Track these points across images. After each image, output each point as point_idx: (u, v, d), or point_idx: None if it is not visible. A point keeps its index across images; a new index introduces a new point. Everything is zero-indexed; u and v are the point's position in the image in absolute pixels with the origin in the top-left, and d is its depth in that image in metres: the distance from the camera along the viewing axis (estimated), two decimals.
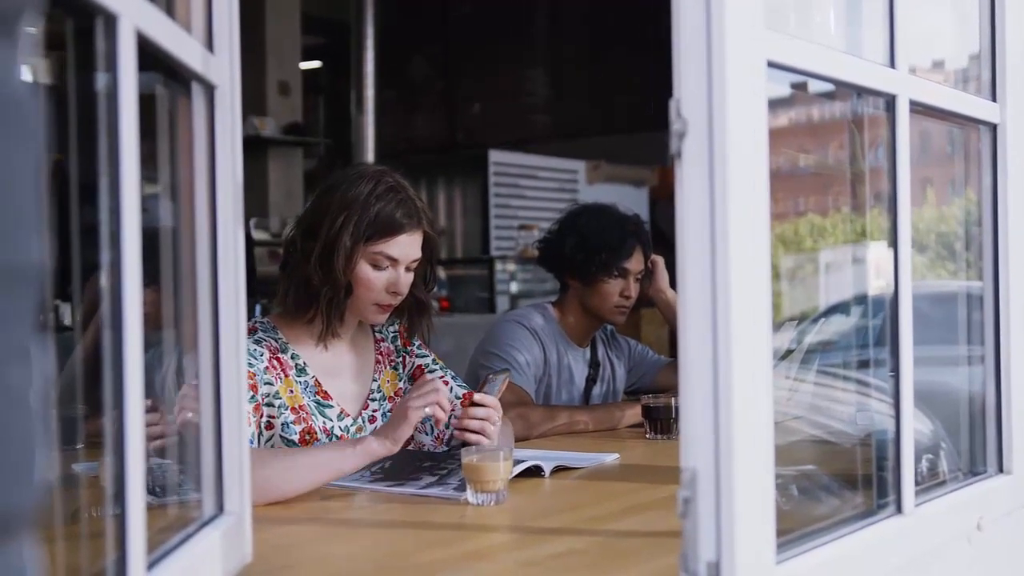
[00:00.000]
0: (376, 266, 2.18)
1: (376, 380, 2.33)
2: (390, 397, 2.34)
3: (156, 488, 1.32)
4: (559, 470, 2.15)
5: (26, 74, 0.56)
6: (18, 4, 0.54)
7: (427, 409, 1.96)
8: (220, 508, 1.35)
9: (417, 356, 2.41)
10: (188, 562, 1.19)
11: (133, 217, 1.00)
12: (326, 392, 2.22)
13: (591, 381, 3.09)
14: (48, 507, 0.64)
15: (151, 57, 1.10)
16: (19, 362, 0.54)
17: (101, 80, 1.00)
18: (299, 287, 2.19)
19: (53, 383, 0.61)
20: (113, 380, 0.99)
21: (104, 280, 1.00)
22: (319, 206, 2.20)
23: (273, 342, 2.19)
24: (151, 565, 1.08)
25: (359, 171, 2.24)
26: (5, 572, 0.55)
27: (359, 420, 2.27)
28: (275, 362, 2.16)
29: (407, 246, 2.20)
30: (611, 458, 2.32)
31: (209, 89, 1.33)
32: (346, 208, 2.15)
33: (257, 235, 6.84)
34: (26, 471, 0.56)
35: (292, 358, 2.21)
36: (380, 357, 2.36)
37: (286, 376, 2.17)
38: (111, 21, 0.98)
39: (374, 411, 2.31)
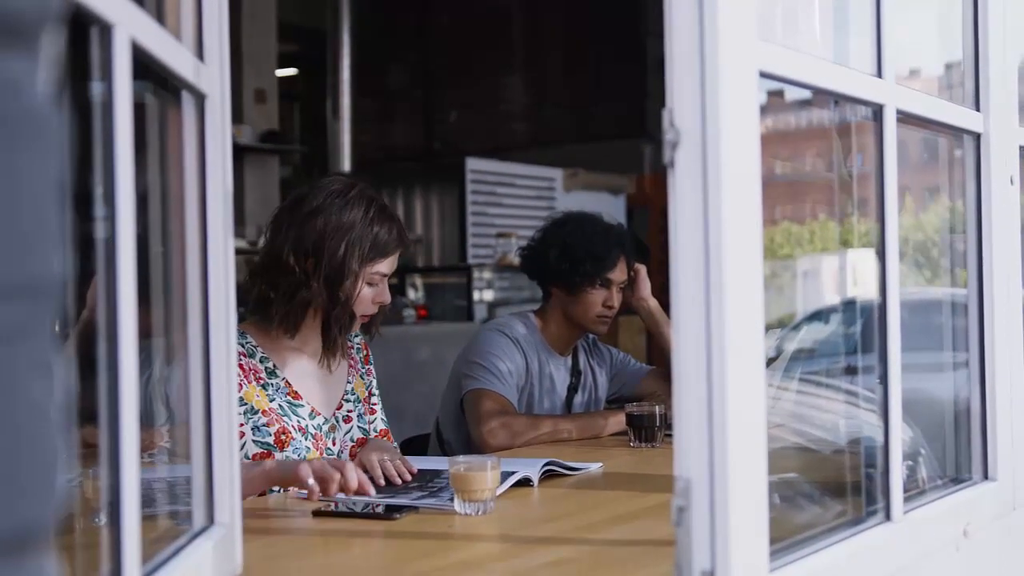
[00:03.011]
0: (370, 283, 2.27)
1: (350, 382, 2.40)
2: (363, 400, 2.42)
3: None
4: (548, 476, 2.15)
5: (47, 87, 0.55)
6: (38, 16, 0.54)
7: (310, 481, 1.88)
8: (211, 519, 1.34)
9: (373, 377, 2.49)
10: (180, 574, 1.18)
11: (128, 226, 0.99)
12: (296, 392, 2.27)
13: (573, 390, 3.09)
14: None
15: (142, 66, 1.09)
16: (41, 376, 0.54)
17: (95, 89, 0.99)
18: (299, 309, 2.23)
19: (73, 396, 0.61)
20: (108, 391, 0.98)
21: (99, 289, 0.99)
22: (309, 229, 2.21)
23: (239, 347, 2.20)
24: None
25: (343, 193, 2.26)
26: None
27: (332, 419, 2.33)
28: (239, 368, 2.17)
29: (395, 261, 2.31)
30: (595, 467, 2.32)
31: (200, 98, 1.32)
32: (345, 233, 2.21)
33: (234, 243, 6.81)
34: (49, 485, 0.55)
35: (261, 361, 2.25)
36: (352, 362, 2.43)
37: (249, 382, 2.21)
38: (106, 30, 0.97)
39: (348, 411, 2.37)
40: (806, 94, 1.56)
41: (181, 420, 1.37)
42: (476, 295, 7.30)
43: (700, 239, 1.15)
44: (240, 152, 7.28)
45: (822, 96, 1.58)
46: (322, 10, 8.43)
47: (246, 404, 2.17)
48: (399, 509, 1.85)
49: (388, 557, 1.63)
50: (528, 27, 9.69)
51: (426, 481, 2.11)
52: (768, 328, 1.86)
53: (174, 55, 1.19)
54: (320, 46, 8.57)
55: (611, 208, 7.34)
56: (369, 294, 2.26)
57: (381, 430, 2.44)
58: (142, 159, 1.24)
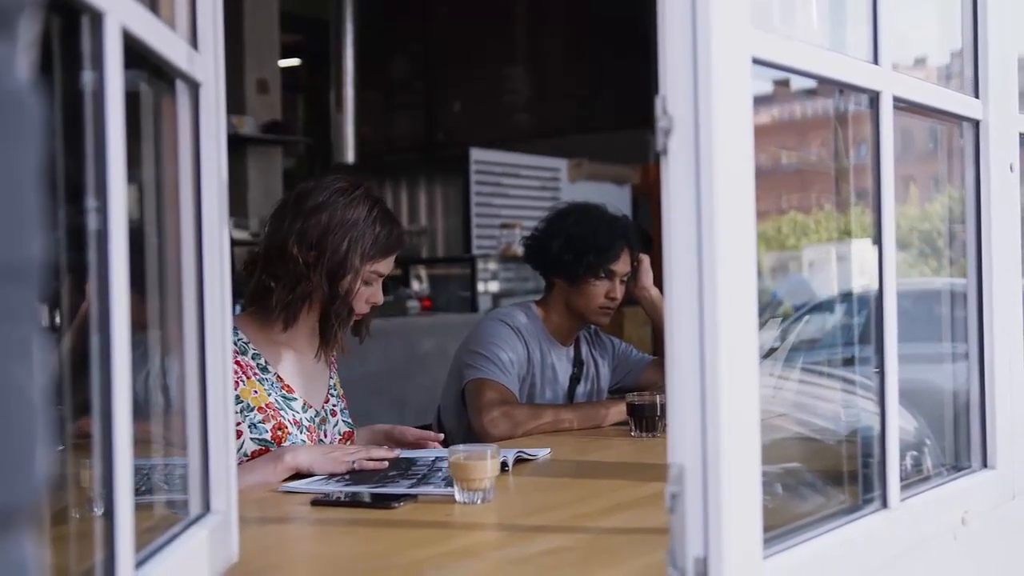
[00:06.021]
0: (367, 282, 2.29)
1: (332, 378, 2.44)
2: (341, 396, 2.46)
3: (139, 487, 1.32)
4: (519, 462, 2.20)
5: (25, 72, 0.56)
6: (16, 2, 0.54)
7: (355, 465, 2.10)
8: (207, 507, 1.35)
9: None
10: (175, 561, 1.18)
11: (120, 217, 0.99)
12: (289, 386, 2.30)
13: (575, 380, 3.09)
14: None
15: (135, 54, 1.09)
16: (22, 358, 0.55)
17: (86, 78, 0.99)
18: (299, 301, 2.25)
19: (54, 379, 0.61)
20: (101, 381, 0.98)
21: (91, 281, 0.99)
22: (313, 223, 2.23)
23: (231, 345, 2.21)
24: (139, 564, 1.07)
25: (347, 191, 2.28)
26: (8, 566, 0.55)
27: (322, 412, 2.36)
28: (235, 366, 2.18)
29: (392, 263, 2.34)
30: (543, 452, 2.34)
31: (194, 87, 1.32)
32: (349, 229, 2.23)
33: (236, 235, 6.81)
34: (28, 466, 0.56)
35: (253, 358, 2.27)
36: (333, 359, 2.46)
37: (248, 377, 2.21)
38: (97, 19, 0.97)
39: (333, 406, 2.42)
40: (809, 84, 1.56)
41: (179, 409, 1.37)
42: (480, 286, 7.30)
43: (693, 226, 1.15)
44: (243, 143, 7.27)
45: (824, 85, 1.57)
46: (325, 0, 8.43)
47: (243, 402, 2.18)
48: (397, 498, 1.85)
49: (385, 545, 1.63)
50: (530, 17, 9.68)
51: (405, 469, 2.11)
52: (773, 318, 1.87)
53: (167, 43, 1.19)
54: (323, 37, 8.57)
55: (616, 199, 7.34)
56: (364, 293, 2.29)
57: (345, 432, 2.44)
58: (136, 149, 1.24)
